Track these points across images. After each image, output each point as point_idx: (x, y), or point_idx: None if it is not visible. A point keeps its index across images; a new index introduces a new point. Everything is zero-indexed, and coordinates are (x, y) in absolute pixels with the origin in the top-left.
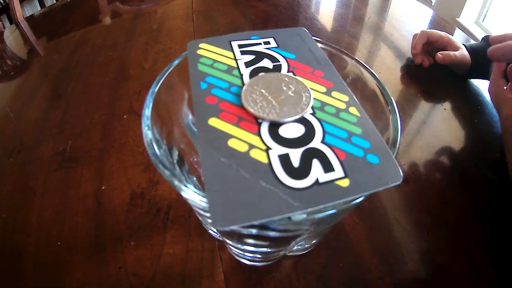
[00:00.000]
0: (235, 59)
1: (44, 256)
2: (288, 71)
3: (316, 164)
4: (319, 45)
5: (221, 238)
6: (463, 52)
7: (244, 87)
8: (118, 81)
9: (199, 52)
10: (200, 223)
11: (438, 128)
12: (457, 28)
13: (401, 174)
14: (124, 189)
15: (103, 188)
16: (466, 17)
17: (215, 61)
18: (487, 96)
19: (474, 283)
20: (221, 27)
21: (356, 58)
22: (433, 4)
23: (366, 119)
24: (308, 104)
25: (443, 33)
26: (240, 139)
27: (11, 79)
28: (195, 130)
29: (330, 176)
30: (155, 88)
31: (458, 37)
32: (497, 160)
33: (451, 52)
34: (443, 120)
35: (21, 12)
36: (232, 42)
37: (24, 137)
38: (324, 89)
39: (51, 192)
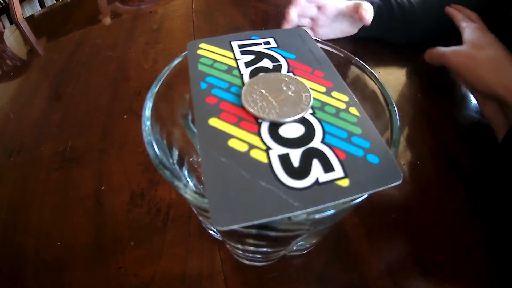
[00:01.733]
0: (235, 59)
1: (44, 256)
2: (288, 71)
3: (316, 164)
4: (319, 45)
5: (221, 238)
6: (360, 1)
7: (244, 87)
8: (118, 81)
9: (199, 52)
10: (200, 223)
11: (438, 128)
12: None
13: (401, 174)
14: (124, 189)
15: (103, 188)
16: None
17: (215, 61)
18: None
19: (474, 283)
20: (221, 27)
21: (356, 58)
22: None
23: (366, 119)
24: (308, 104)
25: None
26: (240, 139)
27: (11, 79)
28: (195, 130)
29: (330, 176)
30: (155, 88)
31: None
32: (498, 160)
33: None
34: (443, 120)
35: (21, 12)
36: (232, 42)
37: (24, 137)
38: (324, 89)
39: (51, 192)
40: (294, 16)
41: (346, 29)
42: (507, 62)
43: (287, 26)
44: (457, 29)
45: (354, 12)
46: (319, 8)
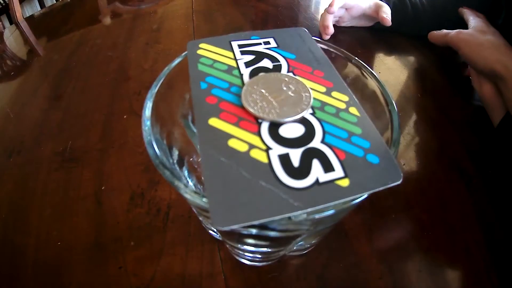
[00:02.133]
0: (235, 59)
1: (44, 256)
2: (288, 71)
3: (316, 164)
4: (319, 45)
5: (221, 238)
6: (380, 3)
7: (244, 87)
8: (118, 81)
9: (199, 52)
10: (200, 223)
11: (438, 128)
12: None
13: (401, 174)
14: (124, 189)
15: (103, 188)
16: None
17: (215, 61)
18: None
19: (474, 283)
20: (221, 27)
21: (356, 58)
22: None
23: (366, 119)
24: (308, 104)
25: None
26: (240, 139)
27: (11, 79)
28: (195, 130)
29: (330, 176)
30: (155, 88)
31: None
32: (497, 159)
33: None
34: (443, 120)
35: (21, 13)
36: (232, 42)
37: (24, 137)
38: (324, 89)
39: (51, 192)
40: (331, 25)
41: (364, 23)
42: (505, 46)
43: (327, 37)
44: (461, 26)
45: (375, 13)
46: (346, 9)
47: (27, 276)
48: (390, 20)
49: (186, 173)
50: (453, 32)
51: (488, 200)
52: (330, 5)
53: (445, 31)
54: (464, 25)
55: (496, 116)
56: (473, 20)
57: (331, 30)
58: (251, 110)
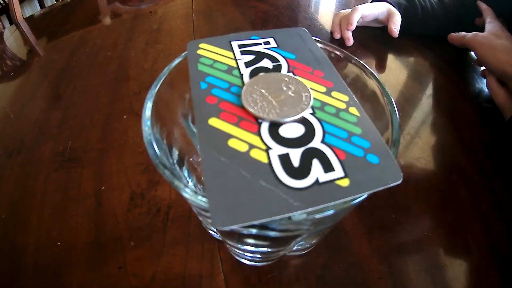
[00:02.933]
0: (235, 59)
1: (44, 256)
2: (288, 71)
3: (316, 164)
4: (319, 45)
5: (221, 238)
6: (392, 10)
7: (244, 87)
8: (118, 81)
9: (199, 52)
10: (200, 223)
11: (438, 128)
12: None
13: (401, 174)
14: (124, 189)
15: (103, 188)
16: None
17: (215, 61)
18: (488, 95)
19: (474, 283)
20: (221, 27)
21: (356, 58)
22: None
23: (366, 119)
24: (308, 104)
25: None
26: (240, 139)
27: (11, 79)
28: (195, 130)
29: (330, 176)
30: (155, 88)
31: None
32: (498, 159)
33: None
34: (443, 120)
35: (21, 13)
36: (232, 42)
37: (24, 137)
38: (324, 89)
39: (51, 192)
40: (351, 36)
41: (375, 24)
42: None
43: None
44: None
45: (386, 20)
46: (362, 17)
47: (27, 276)
48: (398, 32)
49: (186, 173)
50: (470, 34)
51: (488, 200)
52: (350, 23)
53: (463, 33)
54: (477, 30)
55: (509, 113)
56: (490, 24)
57: (352, 41)
58: (251, 110)
